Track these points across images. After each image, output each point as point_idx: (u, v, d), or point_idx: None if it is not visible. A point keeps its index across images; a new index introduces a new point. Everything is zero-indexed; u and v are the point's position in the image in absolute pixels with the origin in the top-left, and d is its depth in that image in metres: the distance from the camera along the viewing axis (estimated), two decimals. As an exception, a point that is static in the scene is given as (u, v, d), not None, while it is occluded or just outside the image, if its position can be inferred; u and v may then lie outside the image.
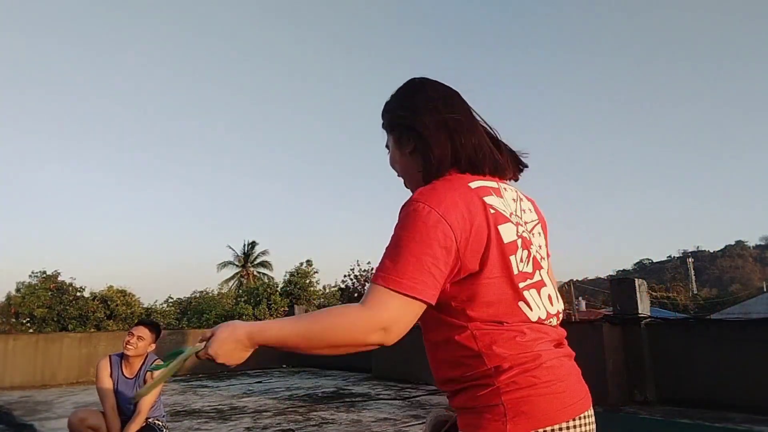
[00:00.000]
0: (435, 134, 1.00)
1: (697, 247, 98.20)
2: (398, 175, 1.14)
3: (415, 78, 1.12)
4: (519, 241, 0.96)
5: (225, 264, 33.38)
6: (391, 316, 0.86)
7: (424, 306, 0.89)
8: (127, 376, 3.56)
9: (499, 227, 0.94)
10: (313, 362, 12.12)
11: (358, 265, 25.14)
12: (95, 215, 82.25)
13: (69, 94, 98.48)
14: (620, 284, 6.99)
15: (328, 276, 74.00)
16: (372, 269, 25.08)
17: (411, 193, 0.95)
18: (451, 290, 0.92)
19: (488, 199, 0.95)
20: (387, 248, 0.91)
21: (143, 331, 3.55)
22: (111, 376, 3.54)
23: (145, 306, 21.93)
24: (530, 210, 1.07)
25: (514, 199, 1.03)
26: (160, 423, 3.71)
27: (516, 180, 1.11)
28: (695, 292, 47.82)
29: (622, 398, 6.30)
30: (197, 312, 22.56)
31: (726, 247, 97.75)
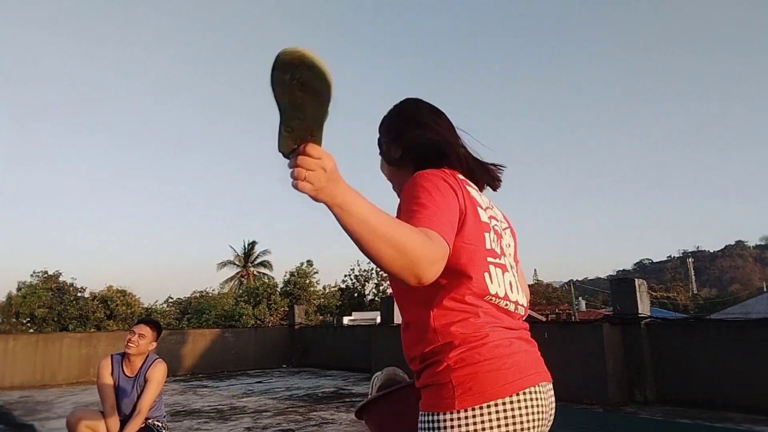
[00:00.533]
0: (417, 137, 1.15)
1: (697, 247, 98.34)
2: (386, 176, 1.26)
3: (408, 98, 1.26)
4: (489, 226, 1.07)
5: (225, 264, 33.41)
6: (442, 257, 0.87)
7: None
8: (128, 374, 3.54)
9: (477, 207, 1.06)
10: (313, 362, 12.13)
11: (358, 265, 25.17)
12: (96, 216, 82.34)
13: (70, 95, 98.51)
14: (620, 284, 7.00)
15: (328, 276, 74.05)
16: (372, 269, 25.16)
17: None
18: None
19: (468, 187, 1.09)
20: (409, 204, 0.95)
21: (145, 329, 3.55)
22: (112, 374, 3.52)
23: (145, 306, 21.95)
24: (501, 217, 1.19)
25: (488, 202, 1.17)
26: (159, 424, 3.67)
27: (494, 190, 1.23)
28: (695, 292, 47.85)
29: (622, 398, 6.30)
30: (197, 312, 22.58)
31: (726, 247, 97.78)
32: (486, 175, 1.19)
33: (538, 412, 0.97)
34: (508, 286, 1.07)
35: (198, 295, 25.80)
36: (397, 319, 9.99)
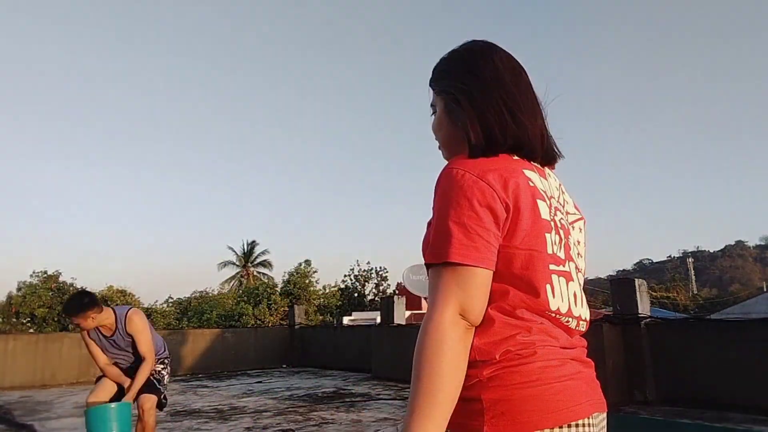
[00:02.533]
0: (496, 111, 0.91)
1: (697, 247, 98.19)
2: (438, 145, 1.05)
3: (479, 41, 1.01)
4: (552, 223, 0.88)
5: (225, 264, 33.42)
6: (459, 296, 0.79)
7: (487, 272, 0.81)
8: (106, 333, 3.62)
9: (537, 200, 0.86)
10: (313, 362, 12.13)
11: (358, 265, 25.17)
12: (96, 215, 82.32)
13: (69, 94, 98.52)
14: (620, 284, 6.99)
15: (328, 276, 74.06)
16: (372, 269, 25.18)
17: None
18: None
19: (528, 172, 0.89)
20: (432, 224, 0.85)
21: (84, 316, 3.43)
22: (93, 338, 3.62)
23: (145, 306, 21.95)
24: (572, 204, 1.01)
25: (557, 188, 0.97)
26: (160, 368, 3.83)
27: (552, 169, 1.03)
28: (695, 292, 47.81)
29: (622, 398, 6.30)
30: (197, 312, 22.57)
31: (726, 247, 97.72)
32: (556, 153, 0.99)
33: None
34: (572, 298, 0.89)
35: (198, 295, 25.80)
36: (397, 319, 9.98)
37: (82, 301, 3.47)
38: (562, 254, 0.88)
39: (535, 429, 0.78)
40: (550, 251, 0.86)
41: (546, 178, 0.94)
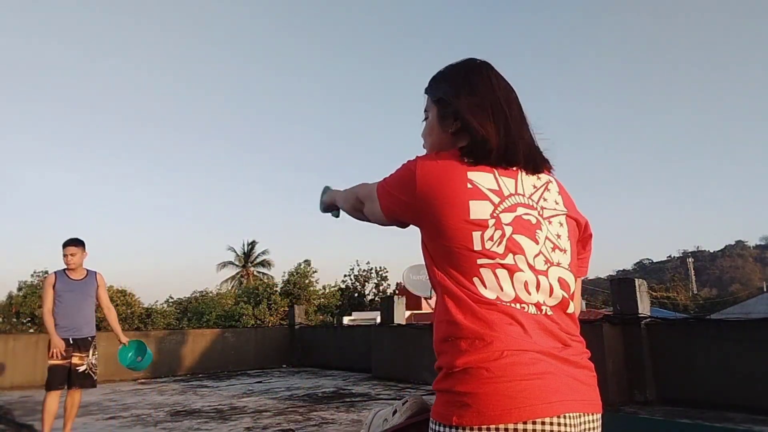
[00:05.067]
0: (489, 129, 0.99)
1: (697, 247, 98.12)
2: (424, 146, 1.14)
3: (477, 60, 1.09)
4: (492, 221, 0.94)
5: (225, 264, 33.42)
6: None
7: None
8: (74, 278, 4.67)
9: (470, 202, 0.94)
10: (313, 362, 12.13)
11: (358, 265, 25.20)
12: (96, 216, 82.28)
13: (70, 96, 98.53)
14: (620, 284, 6.99)
15: (328, 276, 73.99)
16: (372, 269, 25.19)
17: None
18: (429, 245, 0.99)
19: (472, 175, 0.97)
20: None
21: (73, 249, 4.60)
22: (55, 285, 4.59)
23: (145, 306, 21.95)
24: (557, 202, 1.05)
25: (534, 185, 1.03)
26: (95, 361, 4.75)
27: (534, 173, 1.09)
28: (695, 292, 47.81)
29: (622, 398, 6.30)
30: (197, 312, 22.57)
31: (726, 247, 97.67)
32: (537, 162, 1.05)
33: None
34: (520, 287, 0.92)
35: (198, 295, 25.81)
36: (397, 319, 9.99)
37: (80, 239, 4.71)
38: (500, 249, 0.93)
39: (499, 422, 0.82)
40: (477, 247, 0.93)
41: (513, 177, 1.01)
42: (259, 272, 33.45)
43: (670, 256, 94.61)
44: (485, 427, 0.83)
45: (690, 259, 61.06)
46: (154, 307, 22.70)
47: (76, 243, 4.66)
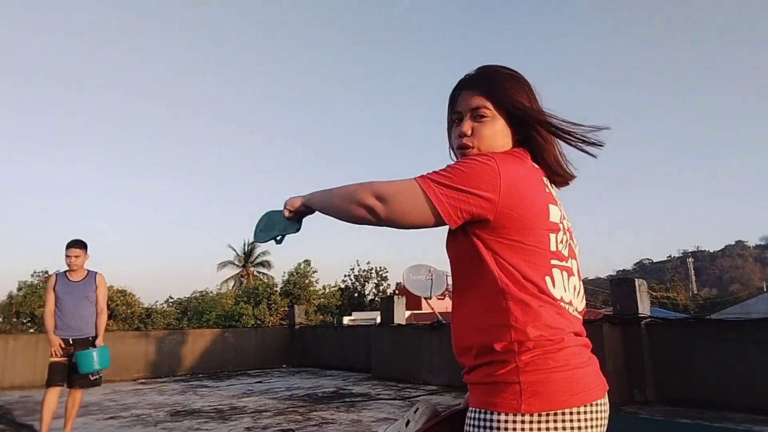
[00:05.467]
0: (551, 140, 1.10)
1: (697, 247, 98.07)
2: (454, 146, 1.14)
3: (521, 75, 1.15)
4: (561, 225, 1.03)
5: (225, 264, 33.41)
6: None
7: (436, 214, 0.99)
8: (74, 279, 4.75)
9: (549, 205, 1.02)
10: (313, 362, 12.13)
11: (358, 265, 25.18)
12: (96, 215, 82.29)
13: (69, 95, 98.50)
14: (620, 284, 6.99)
15: (328, 276, 73.96)
16: (372, 269, 25.18)
17: None
18: (495, 242, 0.99)
19: (546, 180, 1.09)
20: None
21: (77, 251, 4.71)
22: (55, 287, 4.71)
23: (145, 306, 21.92)
24: (567, 216, 1.14)
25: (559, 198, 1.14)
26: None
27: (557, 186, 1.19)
28: (695, 292, 47.81)
29: (622, 398, 6.30)
30: (197, 312, 22.56)
31: (726, 247, 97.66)
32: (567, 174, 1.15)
33: (599, 425, 0.97)
34: (572, 290, 1.04)
35: (198, 295, 25.80)
36: (397, 319, 9.98)
37: (83, 241, 4.80)
38: (566, 252, 1.04)
39: (565, 407, 0.92)
40: (553, 248, 1.01)
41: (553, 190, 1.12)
42: (259, 272, 33.45)
43: (670, 256, 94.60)
44: (553, 412, 0.92)
45: (690, 259, 61.11)
46: (154, 307, 22.69)
47: (80, 245, 4.74)
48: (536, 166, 1.09)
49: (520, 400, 0.92)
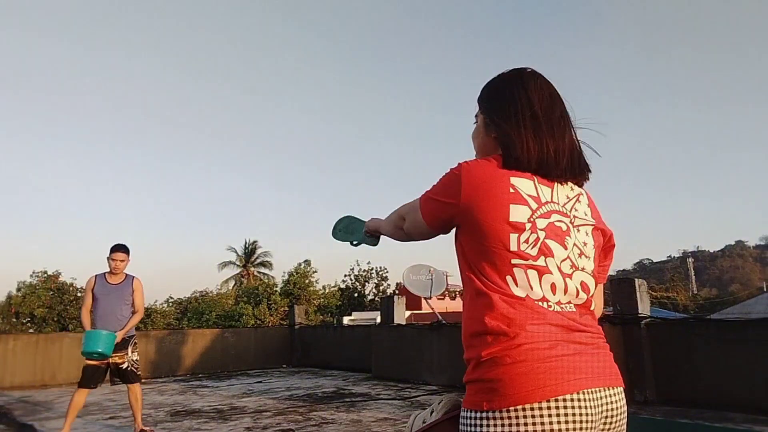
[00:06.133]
0: (519, 136, 1.09)
1: (697, 247, 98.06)
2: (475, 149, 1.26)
3: (525, 69, 1.19)
4: (528, 225, 1.03)
5: (225, 264, 33.43)
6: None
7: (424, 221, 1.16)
8: (112, 282, 4.81)
9: (511, 205, 1.02)
10: (313, 362, 12.13)
11: (358, 265, 25.18)
12: (96, 216, 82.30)
13: (70, 95, 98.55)
14: (620, 284, 6.99)
15: (328, 276, 73.96)
16: (372, 269, 25.18)
17: None
18: (466, 244, 1.07)
19: (515, 180, 1.05)
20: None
21: (122, 256, 4.83)
22: (94, 288, 4.77)
23: (145, 306, 21.89)
24: (586, 213, 1.15)
25: (568, 196, 1.13)
26: (136, 358, 4.88)
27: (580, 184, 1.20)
28: (695, 292, 47.80)
29: (622, 398, 6.29)
30: (197, 312, 22.56)
31: (726, 247, 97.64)
32: (584, 170, 1.16)
33: (578, 421, 0.92)
34: (547, 288, 1.01)
35: (198, 295, 25.80)
36: (397, 319, 9.99)
37: (127, 246, 4.92)
38: (533, 251, 1.02)
39: (524, 402, 0.91)
40: (513, 248, 1.01)
41: (550, 186, 1.10)
42: (259, 272, 33.46)
43: (670, 256, 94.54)
44: (513, 408, 0.92)
45: (690, 259, 61.11)
46: (154, 307, 22.68)
47: (125, 249, 4.86)
48: (507, 168, 1.06)
49: (482, 397, 0.95)
